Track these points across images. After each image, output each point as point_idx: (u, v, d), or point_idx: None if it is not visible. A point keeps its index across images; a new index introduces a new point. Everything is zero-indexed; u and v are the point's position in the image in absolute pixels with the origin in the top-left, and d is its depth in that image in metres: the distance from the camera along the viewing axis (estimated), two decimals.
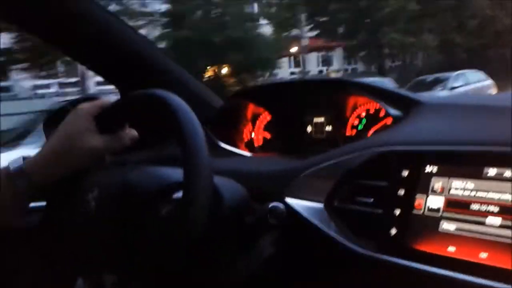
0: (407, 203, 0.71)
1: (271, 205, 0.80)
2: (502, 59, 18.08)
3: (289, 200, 0.86)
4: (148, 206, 0.73)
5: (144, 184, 0.76)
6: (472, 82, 14.38)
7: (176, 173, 0.73)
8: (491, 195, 0.63)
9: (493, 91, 14.26)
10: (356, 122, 1.15)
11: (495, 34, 20.03)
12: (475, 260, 0.61)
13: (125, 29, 1.19)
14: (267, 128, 1.32)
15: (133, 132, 0.83)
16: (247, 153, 1.25)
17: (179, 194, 0.72)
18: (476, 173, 0.65)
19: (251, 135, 1.34)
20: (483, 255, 0.61)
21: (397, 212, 0.72)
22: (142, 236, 0.72)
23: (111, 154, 0.84)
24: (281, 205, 0.81)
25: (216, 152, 1.21)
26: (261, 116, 1.32)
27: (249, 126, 1.34)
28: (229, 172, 0.91)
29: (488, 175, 0.64)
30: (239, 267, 0.89)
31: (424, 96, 0.96)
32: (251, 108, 1.31)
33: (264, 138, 1.33)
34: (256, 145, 1.33)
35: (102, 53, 1.17)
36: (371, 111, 1.12)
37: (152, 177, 0.78)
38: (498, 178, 0.63)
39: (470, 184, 0.65)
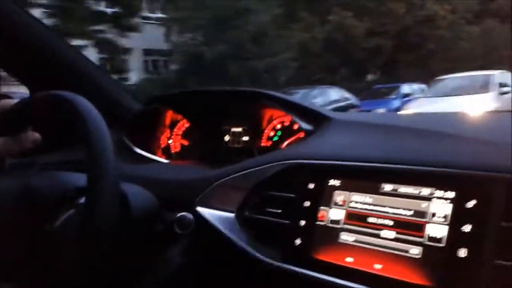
0: (312, 214, 0.74)
1: (178, 214, 0.80)
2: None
3: (201, 209, 0.86)
4: (49, 212, 0.70)
5: (45, 189, 0.72)
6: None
7: (80, 179, 0.70)
8: (386, 209, 0.67)
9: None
10: (272, 134, 1.18)
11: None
12: (371, 271, 0.65)
13: (39, 28, 1.13)
14: (185, 135, 1.31)
15: (36, 135, 0.79)
16: (163, 160, 1.24)
17: (81, 200, 0.70)
18: (373, 188, 0.69)
19: (168, 141, 1.32)
20: (378, 266, 0.65)
21: (302, 223, 0.74)
22: (42, 243, 0.69)
23: (11, 156, 0.79)
24: (189, 215, 0.81)
25: (131, 158, 1.18)
26: (179, 123, 1.31)
27: (167, 132, 1.32)
28: (141, 178, 0.90)
29: (384, 190, 0.68)
30: (148, 277, 0.88)
31: (335, 112, 1.01)
32: (169, 115, 1.29)
33: (182, 145, 1.32)
34: (173, 151, 1.32)
35: (10, 50, 1.10)
36: (286, 124, 1.15)
37: (54, 182, 0.75)
38: (393, 193, 0.68)
39: (368, 198, 0.70)
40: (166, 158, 1.27)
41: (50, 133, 0.82)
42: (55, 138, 0.92)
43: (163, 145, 1.32)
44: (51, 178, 0.78)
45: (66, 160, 1.00)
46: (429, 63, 17.16)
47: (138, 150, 1.23)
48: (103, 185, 0.62)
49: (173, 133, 1.32)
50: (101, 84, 1.23)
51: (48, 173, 0.80)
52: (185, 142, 1.31)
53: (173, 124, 1.31)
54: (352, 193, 0.72)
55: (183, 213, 0.81)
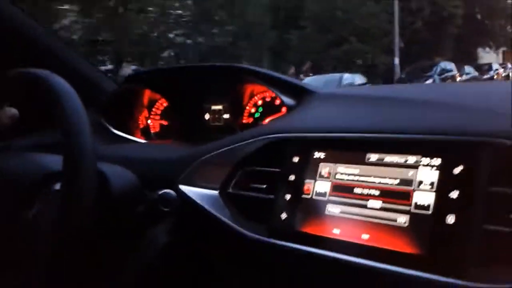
0: (297, 188, 0.73)
1: (161, 192, 0.78)
2: None
3: (183, 188, 0.84)
4: (25, 196, 0.67)
5: (20, 172, 0.70)
6: None
7: (59, 161, 0.68)
8: (372, 179, 0.67)
9: None
10: (253, 110, 1.17)
11: None
12: (358, 241, 0.65)
13: (13, 11, 1.08)
14: (164, 115, 1.28)
15: (13, 111, 0.75)
16: (142, 140, 1.21)
17: (57, 186, 0.67)
18: (359, 159, 0.68)
19: (147, 121, 1.29)
20: (365, 236, 0.64)
21: (288, 197, 0.73)
22: (16, 230, 0.66)
23: None
24: (172, 192, 0.79)
25: (109, 139, 1.15)
26: (157, 103, 1.28)
27: (145, 112, 1.29)
28: (121, 159, 0.87)
29: (370, 160, 0.68)
30: (133, 258, 0.86)
31: (318, 87, 0.99)
32: (147, 94, 1.26)
33: (161, 125, 1.29)
34: (152, 132, 1.29)
35: None
36: (268, 99, 1.14)
37: (30, 165, 0.72)
38: (379, 163, 0.67)
39: (354, 169, 0.69)
40: (145, 139, 1.25)
41: (27, 114, 0.79)
42: (31, 120, 0.88)
43: (141, 126, 1.30)
44: (27, 161, 0.75)
45: (41, 143, 0.97)
46: None
47: (116, 131, 1.20)
48: (81, 165, 0.59)
49: (152, 113, 1.29)
50: (77, 66, 1.19)
51: (25, 156, 0.77)
52: (164, 122, 1.29)
53: (151, 104, 1.28)
54: (337, 164, 0.71)
55: (165, 190, 0.79)
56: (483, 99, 0.72)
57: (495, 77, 16.16)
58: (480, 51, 23.67)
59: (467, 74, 15.13)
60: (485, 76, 15.93)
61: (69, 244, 0.62)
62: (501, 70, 17.34)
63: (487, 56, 23.50)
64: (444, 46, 19.31)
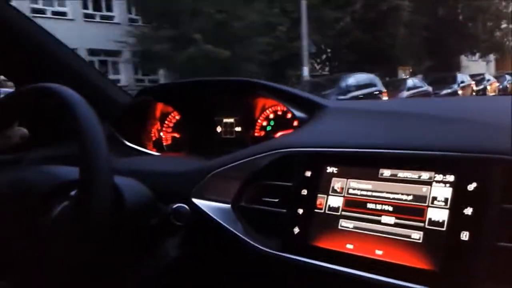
0: (310, 202, 0.73)
1: (174, 206, 0.79)
2: None
3: (196, 201, 0.85)
4: (42, 205, 0.68)
5: (38, 183, 0.71)
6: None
7: (72, 172, 0.69)
8: (385, 195, 0.67)
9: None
10: (264, 124, 1.17)
11: None
12: (372, 256, 0.65)
13: (26, 23, 1.10)
14: (176, 127, 1.29)
15: (23, 130, 0.77)
16: (154, 153, 1.22)
17: (74, 193, 0.68)
18: (372, 174, 0.69)
19: (159, 134, 1.30)
20: (379, 251, 0.65)
21: (300, 211, 0.74)
22: (35, 238, 0.67)
23: None
24: (185, 206, 0.80)
25: (122, 151, 1.16)
26: (170, 116, 1.29)
27: (158, 125, 1.30)
28: (134, 172, 0.88)
29: (383, 176, 0.68)
30: (144, 270, 0.87)
31: (330, 100, 1.00)
32: (160, 107, 1.28)
33: (173, 138, 1.30)
34: (164, 144, 1.30)
35: None
36: (279, 113, 1.14)
37: (46, 175, 0.73)
38: (392, 179, 0.67)
39: (366, 184, 0.69)
40: (158, 151, 1.26)
41: (41, 127, 0.81)
42: (46, 133, 0.89)
43: (154, 138, 1.31)
44: (42, 172, 0.77)
45: (54, 156, 0.98)
46: None
47: (129, 144, 1.21)
48: (97, 177, 0.60)
49: (164, 125, 1.30)
50: (89, 78, 1.21)
51: (39, 167, 0.79)
52: (177, 135, 1.30)
53: (164, 117, 1.30)
54: (350, 179, 0.71)
55: (179, 204, 0.80)
56: (496, 115, 0.72)
57: (459, 92, 13.36)
58: (464, 59, 19.58)
59: (409, 89, 11.76)
60: (444, 92, 12.94)
61: (84, 252, 0.63)
62: (472, 83, 14.45)
63: (473, 65, 19.80)
64: (396, 52, 14.48)
